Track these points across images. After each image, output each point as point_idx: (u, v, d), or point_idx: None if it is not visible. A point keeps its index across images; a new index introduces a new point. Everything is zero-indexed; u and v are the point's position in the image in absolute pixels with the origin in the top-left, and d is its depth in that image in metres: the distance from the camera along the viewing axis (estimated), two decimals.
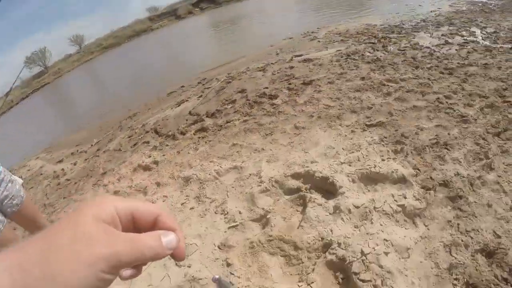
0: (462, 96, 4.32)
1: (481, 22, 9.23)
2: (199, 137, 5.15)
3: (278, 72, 6.98)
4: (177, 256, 0.48)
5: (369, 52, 7.02)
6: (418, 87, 4.77)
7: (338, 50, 7.68)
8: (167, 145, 5.36)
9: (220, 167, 3.91)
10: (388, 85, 4.98)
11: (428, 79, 5.02)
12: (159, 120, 6.79)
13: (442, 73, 5.23)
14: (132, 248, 0.41)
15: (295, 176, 3.28)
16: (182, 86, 9.55)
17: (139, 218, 0.46)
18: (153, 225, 0.48)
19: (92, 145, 7.65)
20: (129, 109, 9.66)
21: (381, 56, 6.58)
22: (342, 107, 4.62)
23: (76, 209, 0.42)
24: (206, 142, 4.87)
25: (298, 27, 13.40)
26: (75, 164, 6.80)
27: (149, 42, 44.63)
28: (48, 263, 0.36)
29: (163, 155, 5.00)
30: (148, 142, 5.85)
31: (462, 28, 8.54)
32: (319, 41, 9.60)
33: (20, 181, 2.69)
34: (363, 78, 5.48)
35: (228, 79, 7.75)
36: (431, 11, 12.54)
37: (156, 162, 4.87)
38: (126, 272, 0.45)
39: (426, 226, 2.47)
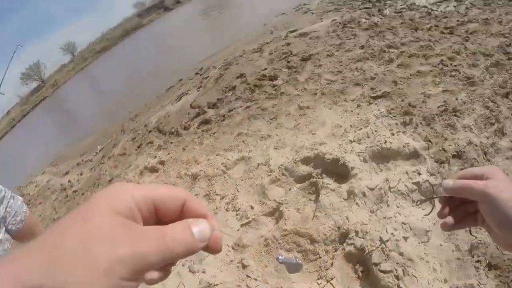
0: (466, 56, 4.20)
1: None
2: (203, 130, 5.05)
3: (275, 51, 6.82)
4: (212, 248, 0.41)
5: (365, 18, 6.83)
6: (420, 50, 4.64)
7: (334, 20, 7.47)
8: (171, 143, 5.25)
9: (227, 159, 3.84)
10: (389, 52, 4.85)
11: (429, 40, 4.87)
12: (160, 117, 6.66)
13: (443, 33, 5.09)
14: (158, 245, 0.34)
15: (305, 161, 3.20)
16: (180, 80, 9.36)
17: (162, 206, 0.39)
18: (180, 213, 0.40)
19: (96, 153, 7.57)
20: (129, 111, 9.48)
21: (378, 21, 6.40)
22: (345, 80, 4.50)
23: (87, 202, 0.35)
24: (210, 135, 4.79)
25: (289, 1, 13.12)
26: (81, 174, 6.76)
27: (141, 39, 44.01)
28: (54, 274, 0.29)
29: (169, 154, 4.90)
30: (152, 142, 5.73)
31: None
32: (312, 13, 9.40)
33: (21, 198, 2.69)
34: (362, 47, 5.34)
35: (226, 65, 7.57)
36: None
37: (162, 162, 4.77)
38: (152, 274, 0.36)
39: None
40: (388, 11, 6.89)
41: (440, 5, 6.62)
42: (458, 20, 5.44)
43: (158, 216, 0.39)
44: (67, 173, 7.57)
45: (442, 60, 4.20)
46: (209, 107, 5.75)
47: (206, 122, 5.25)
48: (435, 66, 4.12)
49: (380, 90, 3.97)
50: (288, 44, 6.91)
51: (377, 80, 4.22)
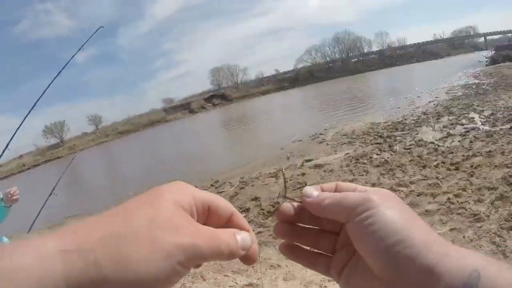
0: (472, 192, 4.40)
1: (477, 106, 9.70)
2: None
3: (290, 179, 7.11)
4: (249, 258, 0.44)
5: (377, 154, 7.23)
6: (428, 188, 4.85)
7: (347, 154, 7.93)
8: None
9: (235, 283, 3.83)
10: (398, 190, 5.05)
11: (437, 178, 5.11)
12: None
13: (449, 169, 5.35)
14: (212, 242, 0.38)
15: None
16: (195, 187, 9.53)
17: (214, 212, 0.43)
18: (225, 223, 0.44)
19: None
20: None
21: (388, 157, 6.76)
22: None
23: (153, 191, 0.39)
24: None
25: (306, 128, 13.98)
26: None
27: (163, 133, 45.77)
28: (120, 247, 0.32)
29: None
30: None
31: (461, 116, 8.97)
32: (327, 144, 9.96)
33: None
34: (373, 185, 5.56)
35: (241, 184, 7.84)
36: (429, 102, 13.17)
37: None
38: None
39: None
40: (398, 147, 7.34)
41: (446, 140, 7.07)
42: (463, 155, 5.78)
43: (207, 220, 0.42)
44: None
45: (449, 198, 4.37)
46: None
47: None
48: (442, 204, 4.28)
49: None
50: (303, 174, 7.24)
51: None
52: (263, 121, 24.41)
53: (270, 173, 8.14)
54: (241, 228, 0.44)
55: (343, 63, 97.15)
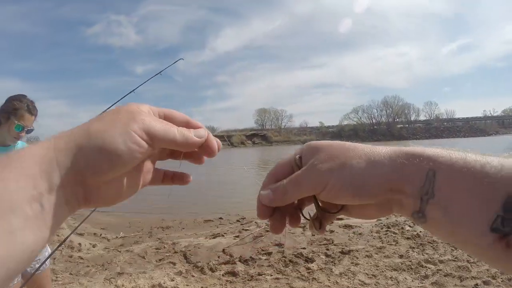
0: (501, 281, 4.25)
1: None
2: (227, 281, 5.03)
3: (318, 234, 7.04)
4: (208, 147, 0.51)
5: (410, 226, 7.06)
6: (457, 270, 4.72)
7: (379, 220, 7.76)
8: (193, 276, 5.23)
9: None
10: (426, 267, 4.96)
11: (467, 261, 4.96)
12: (191, 245, 6.73)
13: None
14: (164, 126, 0.45)
15: None
16: (220, 218, 9.52)
17: (170, 119, 0.50)
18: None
19: (117, 237, 7.64)
20: (162, 219, 9.61)
21: (421, 231, 6.58)
22: (378, 287, 4.59)
23: (118, 107, 0.47)
24: None
25: None
26: (94, 246, 6.78)
27: None
28: (88, 126, 0.42)
29: (187, 285, 4.86)
30: (174, 264, 5.70)
31: None
32: None
33: (49, 250, 2.85)
34: (401, 256, 5.49)
35: (268, 227, 7.72)
36: None
37: None
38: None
39: None
40: None
41: None
42: None
43: None
44: (81, 234, 7.51)
45: (477, 284, 4.25)
46: (240, 261, 5.81)
47: (233, 274, 5.26)
48: None
49: None
50: (332, 231, 7.18)
51: None
52: None
53: None
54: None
55: (388, 127, 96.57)
